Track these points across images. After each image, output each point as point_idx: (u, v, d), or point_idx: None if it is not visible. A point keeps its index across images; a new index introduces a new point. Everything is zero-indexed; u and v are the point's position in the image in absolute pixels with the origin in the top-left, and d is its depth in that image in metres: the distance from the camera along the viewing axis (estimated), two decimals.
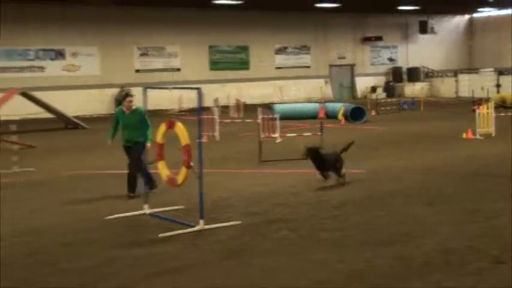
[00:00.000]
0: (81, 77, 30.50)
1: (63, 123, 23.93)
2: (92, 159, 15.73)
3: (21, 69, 29.29)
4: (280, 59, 36.72)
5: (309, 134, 15.85)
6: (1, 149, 16.07)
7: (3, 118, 20.05)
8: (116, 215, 9.28)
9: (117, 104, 30.73)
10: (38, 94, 24.05)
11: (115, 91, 30.81)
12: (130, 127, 10.71)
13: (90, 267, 6.96)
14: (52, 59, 30.10)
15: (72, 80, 30.16)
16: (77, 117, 24.89)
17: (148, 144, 10.53)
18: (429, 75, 40.34)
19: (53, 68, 30.09)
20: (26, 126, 19.56)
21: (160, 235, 8.15)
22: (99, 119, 27.46)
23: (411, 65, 40.28)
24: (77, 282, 6.46)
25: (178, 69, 33.11)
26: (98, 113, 29.57)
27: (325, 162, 11.09)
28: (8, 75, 28.63)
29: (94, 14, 30.13)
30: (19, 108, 22.76)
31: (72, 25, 29.93)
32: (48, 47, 29.89)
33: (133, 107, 10.77)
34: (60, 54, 30.27)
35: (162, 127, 9.10)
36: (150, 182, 10.56)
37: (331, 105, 25.24)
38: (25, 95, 22.99)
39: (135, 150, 10.70)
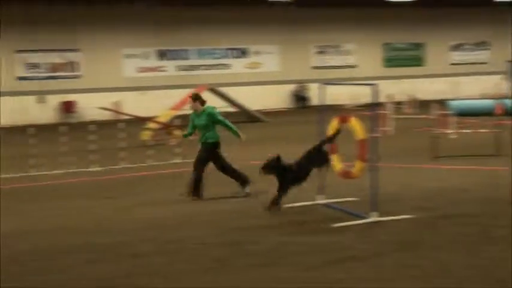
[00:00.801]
0: (262, 74, 31.86)
1: (245, 116, 25.24)
2: (275, 150, 16.64)
3: (210, 66, 31.15)
4: (455, 56, 36.14)
5: (485, 130, 15.65)
6: (192, 139, 17.75)
7: (191, 112, 21.80)
8: (291, 204, 9.58)
9: (294, 98, 32.17)
10: (223, 90, 25.41)
11: (293, 87, 32.23)
12: (200, 128, 10.63)
13: (268, 250, 7.43)
14: (236, 57, 31.77)
15: (254, 76, 31.56)
16: (257, 111, 26.19)
17: (242, 137, 10.66)
18: None
19: (237, 66, 31.74)
20: None
21: (333, 225, 8.40)
22: (278, 113, 28.70)
23: None
24: (260, 263, 6.96)
25: (354, 66, 33.82)
26: (276, 107, 30.74)
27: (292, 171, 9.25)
28: (198, 72, 30.68)
29: (276, 14, 31.40)
30: (208, 103, 24.56)
31: (256, 25, 31.44)
32: (233, 46, 31.62)
33: (202, 108, 10.65)
34: (244, 53, 31.92)
35: (335, 122, 9.30)
36: (241, 179, 10.63)
37: (509, 102, 24.41)
38: (212, 90, 24.43)
39: (201, 151, 10.60)
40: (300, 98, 31.95)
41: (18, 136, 16.88)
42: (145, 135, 18.75)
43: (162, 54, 30.46)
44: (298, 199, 9.88)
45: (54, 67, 28.67)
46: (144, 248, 7.75)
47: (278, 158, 9.24)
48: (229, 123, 10.69)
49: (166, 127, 19.23)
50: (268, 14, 31.33)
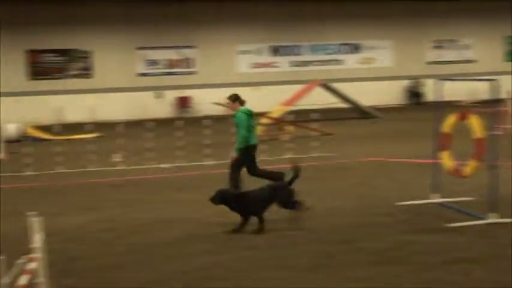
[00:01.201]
0: (375, 69, 31.54)
1: (358, 112, 25.04)
2: (388, 147, 16.43)
3: (322, 62, 31.15)
4: None
5: None
6: (303, 135, 17.50)
7: (305, 107, 21.40)
8: (406, 202, 9.49)
9: (408, 94, 31.51)
10: (335, 85, 25.41)
11: (407, 82, 31.57)
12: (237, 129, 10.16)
13: (382, 248, 7.38)
14: (349, 53, 31.60)
15: (367, 72, 31.29)
16: (370, 107, 25.87)
17: (233, 155, 9.94)
18: None
19: (350, 61, 31.57)
20: (324, 115, 20.73)
21: (449, 225, 8.20)
22: (391, 109, 28.25)
23: None
24: (373, 261, 6.87)
25: (472, 61, 32.65)
26: (389, 103, 30.30)
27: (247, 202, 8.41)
28: (311, 68, 30.76)
29: (389, 9, 30.93)
30: (319, 99, 24.67)
31: (369, 20, 31.09)
32: (346, 41, 31.44)
33: (237, 109, 10.15)
34: (356, 48, 31.64)
35: (452, 118, 9.10)
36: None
37: None
38: (324, 86, 24.57)
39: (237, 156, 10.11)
40: (414, 94, 31.26)
41: (138, 130, 17.60)
42: (258, 131, 18.90)
43: (275, 50, 30.76)
44: (412, 197, 9.74)
45: (171, 63, 29.68)
46: (257, 241, 7.92)
47: (221, 191, 8.49)
48: (241, 133, 9.96)
49: (279, 122, 19.42)
50: (382, 9, 30.88)
